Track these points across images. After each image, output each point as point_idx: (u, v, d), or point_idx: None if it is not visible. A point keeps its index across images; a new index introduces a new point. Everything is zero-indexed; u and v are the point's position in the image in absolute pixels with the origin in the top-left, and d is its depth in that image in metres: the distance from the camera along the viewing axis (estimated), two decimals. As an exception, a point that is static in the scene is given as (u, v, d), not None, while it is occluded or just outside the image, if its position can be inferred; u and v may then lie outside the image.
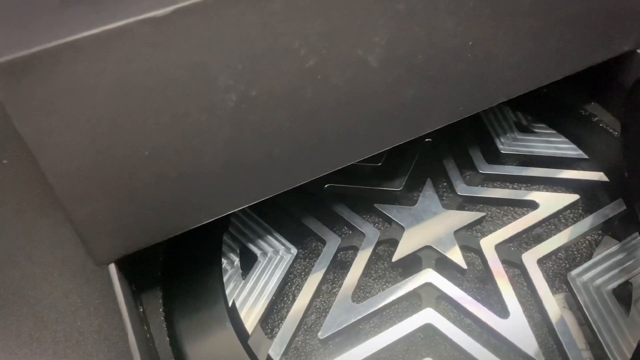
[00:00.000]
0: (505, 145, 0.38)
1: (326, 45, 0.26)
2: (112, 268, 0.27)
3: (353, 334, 0.31)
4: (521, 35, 0.31)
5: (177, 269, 0.34)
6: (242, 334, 0.31)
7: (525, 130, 0.40)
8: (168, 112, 0.24)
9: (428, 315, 0.30)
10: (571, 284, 0.32)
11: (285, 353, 0.30)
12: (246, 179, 0.28)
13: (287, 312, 0.31)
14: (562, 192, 0.36)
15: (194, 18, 0.23)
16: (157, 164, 0.25)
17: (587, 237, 0.35)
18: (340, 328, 0.30)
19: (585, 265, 0.32)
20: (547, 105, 0.41)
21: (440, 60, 0.29)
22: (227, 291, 0.32)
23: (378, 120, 0.29)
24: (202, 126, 0.25)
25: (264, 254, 0.33)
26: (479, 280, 0.33)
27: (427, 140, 0.39)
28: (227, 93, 0.25)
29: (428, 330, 0.30)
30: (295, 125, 0.27)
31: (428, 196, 0.36)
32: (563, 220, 0.35)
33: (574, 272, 0.32)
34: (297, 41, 0.25)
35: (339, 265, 0.34)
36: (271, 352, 0.30)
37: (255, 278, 0.32)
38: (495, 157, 0.38)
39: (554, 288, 0.32)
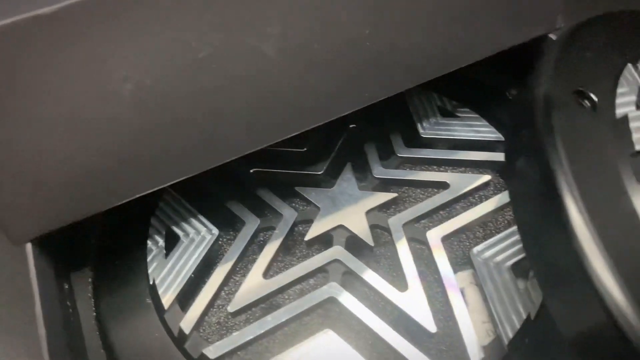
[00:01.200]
0: (427, 129, 0.40)
1: (219, 36, 0.28)
2: (29, 247, 0.29)
3: (260, 308, 0.33)
4: (423, 20, 0.33)
5: (107, 251, 0.36)
6: (159, 309, 0.33)
7: (449, 114, 0.41)
8: (66, 105, 0.26)
9: (332, 290, 0.33)
10: (472, 261, 0.33)
11: (196, 325, 0.32)
12: (150, 164, 0.30)
13: (202, 288, 0.33)
14: (474, 173, 0.38)
15: (86, 14, 0.25)
16: (61, 154, 0.27)
17: (493, 216, 0.36)
18: (248, 302, 0.33)
19: (488, 242, 0.34)
20: (473, 90, 0.42)
21: (337, 49, 0.31)
22: (150, 270, 0.34)
23: (280, 108, 0.31)
24: (101, 115, 0.27)
25: (187, 235, 0.36)
26: (384, 256, 0.35)
27: (351, 126, 0.41)
28: (124, 83, 0.27)
29: (331, 303, 0.32)
30: (196, 113, 0.29)
31: (346, 179, 0.38)
32: (472, 200, 0.37)
33: (475, 249, 0.34)
34: (188, 33, 0.27)
35: (256, 245, 0.36)
36: (182, 325, 0.32)
37: (176, 258, 0.35)
38: (415, 141, 0.40)
39: (457, 265, 0.34)
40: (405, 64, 0.34)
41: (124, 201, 0.30)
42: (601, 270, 0.22)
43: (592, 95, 0.28)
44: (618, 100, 0.28)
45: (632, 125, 0.27)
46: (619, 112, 0.28)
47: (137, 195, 0.30)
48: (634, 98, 0.29)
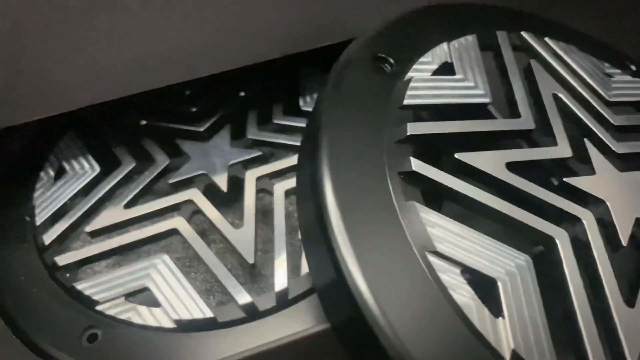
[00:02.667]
0: (308, 103, 0.45)
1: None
2: None
3: (116, 232, 0.38)
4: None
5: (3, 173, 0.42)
6: (33, 224, 0.38)
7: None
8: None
9: (177, 222, 0.37)
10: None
11: (57, 239, 0.37)
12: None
13: (70, 211, 0.39)
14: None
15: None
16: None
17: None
18: (105, 225, 0.38)
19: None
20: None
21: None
22: (35, 194, 0.40)
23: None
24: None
25: (73, 169, 0.41)
26: (232, 201, 0.39)
27: (241, 94, 0.46)
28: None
29: (173, 234, 0.37)
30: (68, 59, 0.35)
31: (222, 137, 0.43)
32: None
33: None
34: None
35: (127, 183, 0.41)
36: (45, 237, 0.37)
37: (58, 187, 0.40)
38: (294, 111, 0.44)
39: (291, 217, 0.38)
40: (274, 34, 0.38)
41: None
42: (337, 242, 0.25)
43: (391, 60, 0.32)
44: (416, 67, 0.33)
45: (412, 84, 0.31)
46: (410, 75, 0.32)
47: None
48: (434, 67, 0.33)
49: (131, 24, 0.35)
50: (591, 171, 0.32)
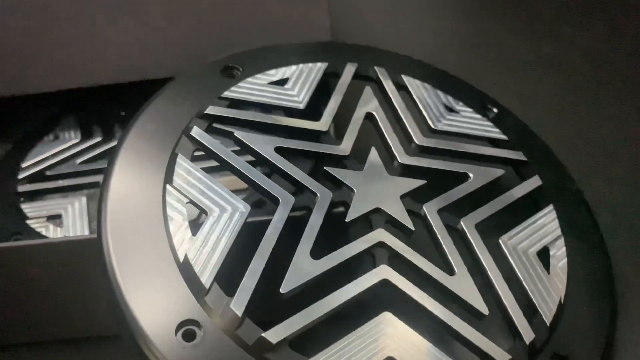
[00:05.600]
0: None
1: None
2: None
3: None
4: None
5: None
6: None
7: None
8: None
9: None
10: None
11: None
12: None
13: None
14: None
15: None
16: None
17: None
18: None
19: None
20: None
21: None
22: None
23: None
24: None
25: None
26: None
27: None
28: None
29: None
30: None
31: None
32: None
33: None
34: None
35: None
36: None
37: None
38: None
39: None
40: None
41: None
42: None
43: (240, 69, 0.39)
44: (259, 75, 0.39)
45: (240, 83, 0.38)
46: (247, 79, 0.39)
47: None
48: (274, 79, 0.40)
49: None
50: (360, 168, 0.36)
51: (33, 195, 0.49)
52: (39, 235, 0.45)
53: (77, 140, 0.54)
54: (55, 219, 0.47)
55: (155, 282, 0.29)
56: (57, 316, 0.39)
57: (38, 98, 0.51)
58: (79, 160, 0.52)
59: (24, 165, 0.51)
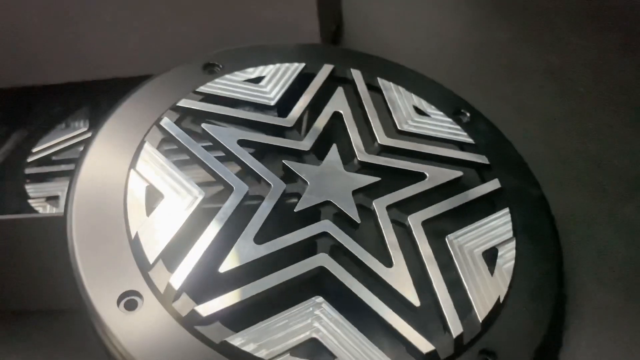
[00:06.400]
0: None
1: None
2: None
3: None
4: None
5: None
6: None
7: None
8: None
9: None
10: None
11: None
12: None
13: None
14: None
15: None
16: None
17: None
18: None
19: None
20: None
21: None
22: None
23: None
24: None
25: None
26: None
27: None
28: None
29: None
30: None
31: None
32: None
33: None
34: None
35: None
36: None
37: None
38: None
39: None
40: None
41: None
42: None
43: (220, 66, 0.42)
44: (238, 72, 0.42)
45: (217, 79, 0.41)
46: (226, 75, 0.42)
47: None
48: (251, 77, 0.42)
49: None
50: (318, 164, 0.38)
51: (38, 178, 0.53)
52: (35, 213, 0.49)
53: (85, 129, 0.57)
54: (53, 199, 0.51)
55: (107, 256, 0.32)
56: (25, 287, 0.43)
57: (54, 88, 0.56)
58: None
59: (34, 150, 0.56)
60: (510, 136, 0.45)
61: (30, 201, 0.50)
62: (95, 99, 0.60)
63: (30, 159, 0.55)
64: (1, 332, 0.43)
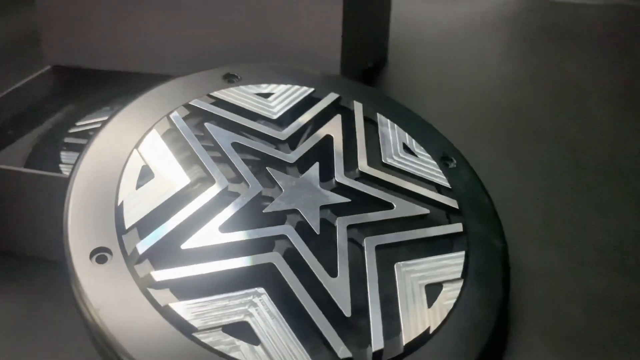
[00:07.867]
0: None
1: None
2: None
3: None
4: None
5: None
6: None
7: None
8: None
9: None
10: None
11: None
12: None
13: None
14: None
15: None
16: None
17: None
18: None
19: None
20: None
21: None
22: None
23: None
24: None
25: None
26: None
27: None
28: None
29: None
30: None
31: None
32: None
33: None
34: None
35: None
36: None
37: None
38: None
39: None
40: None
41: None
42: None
43: (239, 77, 0.48)
44: (251, 85, 0.48)
45: (229, 88, 0.47)
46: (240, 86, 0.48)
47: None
48: (263, 91, 0.48)
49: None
50: (297, 176, 0.43)
51: (73, 147, 0.60)
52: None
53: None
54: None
55: (93, 217, 0.37)
56: (28, 233, 0.49)
57: (110, 74, 0.64)
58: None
59: (78, 123, 0.63)
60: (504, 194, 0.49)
61: (61, 165, 0.57)
62: (142, 89, 0.67)
63: (71, 130, 0.62)
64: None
